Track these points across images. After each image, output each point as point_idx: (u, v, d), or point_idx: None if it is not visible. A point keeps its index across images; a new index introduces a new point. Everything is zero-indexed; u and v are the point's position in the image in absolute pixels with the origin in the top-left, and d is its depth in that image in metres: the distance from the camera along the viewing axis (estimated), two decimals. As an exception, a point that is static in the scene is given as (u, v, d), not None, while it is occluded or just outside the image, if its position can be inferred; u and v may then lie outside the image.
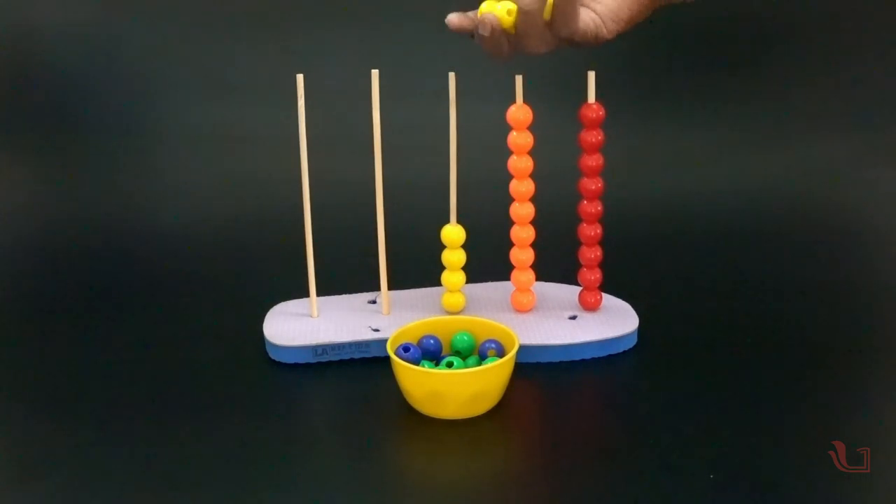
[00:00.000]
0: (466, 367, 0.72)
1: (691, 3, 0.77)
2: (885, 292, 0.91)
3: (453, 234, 0.81)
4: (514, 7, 0.69)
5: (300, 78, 0.77)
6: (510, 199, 0.81)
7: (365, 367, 0.79)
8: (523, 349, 0.75)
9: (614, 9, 0.74)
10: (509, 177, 0.81)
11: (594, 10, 0.74)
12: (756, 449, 0.66)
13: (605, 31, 0.74)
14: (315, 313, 0.83)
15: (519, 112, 0.78)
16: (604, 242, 0.82)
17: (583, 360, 0.79)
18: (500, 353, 0.74)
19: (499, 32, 0.70)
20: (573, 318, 0.82)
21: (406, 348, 0.73)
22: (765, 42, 1.13)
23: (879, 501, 0.62)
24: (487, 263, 0.85)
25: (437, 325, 0.77)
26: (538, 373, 0.77)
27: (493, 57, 0.71)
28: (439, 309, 0.84)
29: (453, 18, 0.72)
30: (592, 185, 0.80)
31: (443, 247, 0.82)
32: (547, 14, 0.70)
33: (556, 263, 0.85)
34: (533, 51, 0.72)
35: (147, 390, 0.76)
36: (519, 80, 0.78)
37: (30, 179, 1.13)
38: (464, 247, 0.82)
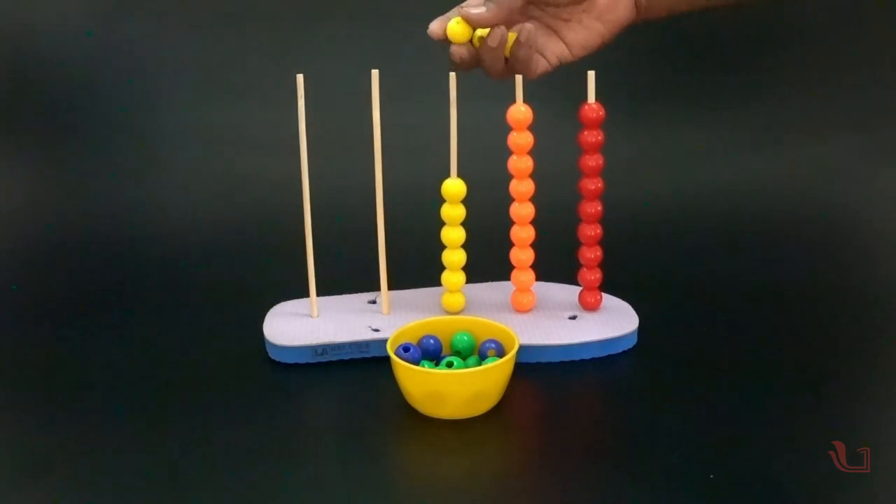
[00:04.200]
0: (466, 367, 0.72)
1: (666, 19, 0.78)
2: (885, 292, 0.91)
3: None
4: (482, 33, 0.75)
5: (300, 78, 0.77)
6: (510, 199, 0.81)
7: (365, 367, 0.78)
8: (523, 349, 0.75)
9: (587, 43, 0.77)
10: (509, 177, 0.81)
11: (564, 40, 0.76)
12: (756, 449, 0.66)
13: (569, 59, 0.79)
14: (315, 313, 0.83)
15: (519, 112, 0.78)
16: (604, 242, 0.82)
17: (583, 360, 0.79)
18: (500, 353, 0.74)
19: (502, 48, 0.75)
20: (573, 318, 0.82)
21: (406, 348, 0.73)
22: (765, 42, 1.13)
23: (879, 501, 0.62)
24: (487, 263, 0.85)
25: (437, 325, 0.77)
26: (538, 373, 0.77)
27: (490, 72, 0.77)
28: (439, 309, 0.84)
29: (436, 26, 0.76)
30: (592, 185, 0.80)
31: (443, 247, 0.82)
32: (507, 51, 0.76)
33: (556, 263, 0.85)
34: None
35: (147, 390, 0.76)
36: (519, 80, 0.78)
37: (30, 179, 1.13)
38: (464, 247, 0.82)
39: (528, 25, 0.75)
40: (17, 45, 1.14)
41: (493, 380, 0.70)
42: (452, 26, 0.75)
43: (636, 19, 0.79)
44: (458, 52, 0.75)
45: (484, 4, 0.74)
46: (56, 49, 1.14)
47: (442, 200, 0.81)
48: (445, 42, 0.76)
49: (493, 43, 0.74)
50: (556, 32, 0.78)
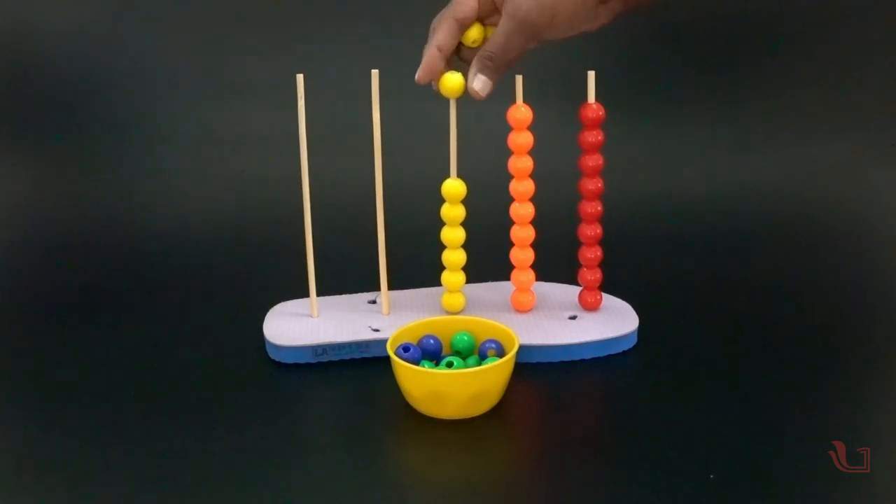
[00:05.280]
0: (466, 367, 0.72)
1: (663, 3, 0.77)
2: (885, 292, 0.91)
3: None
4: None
5: (300, 78, 0.77)
6: (510, 199, 0.81)
7: (365, 367, 0.79)
8: (523, 349, 0.75)
9: (558, 39, 0.76)
10: (509, 177, 0.81)
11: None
12: (756, 449, 0.66)
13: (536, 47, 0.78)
14: (315, 313, 0.83)
15: (519, 112, 0.78)
16: (604, 242, 0.82)
17: (583, 360, 0.79)
18: (500, 353, 0.74)
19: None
20: (573, 318, 0.82)
21: (406, 348, 0.73)
22: (765, 42, 1.13)
23: (879, 501, 0.62)
24: (487, 263, 0.85)
25: (437, 325, 0.77)
26: (538, 373, 0.77)
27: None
28: (439, 309, 0.84)
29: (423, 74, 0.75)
30: (592, 185, 0.80)
31: (443, 247, 0.82)
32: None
33: (556, 263, 0.85)
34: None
35: (147, 390, 0.76)
36: (519, 80, 0.78)
37: (30, 179, 1.13)
38: (464, 247, 0.82)
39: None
40: (17, 45, 1.14)
41: (493, 380, 0.70)
42: (448, 83, 0.75)
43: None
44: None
45: (484, 74, 0.74)
46: (56, 49, 1.15)
47: (442, 200, 0.81)
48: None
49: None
50: None
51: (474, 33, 0.76)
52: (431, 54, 0.74)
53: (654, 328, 0.82)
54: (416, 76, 0.75)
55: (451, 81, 0.75)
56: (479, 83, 0.74)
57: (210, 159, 1.13)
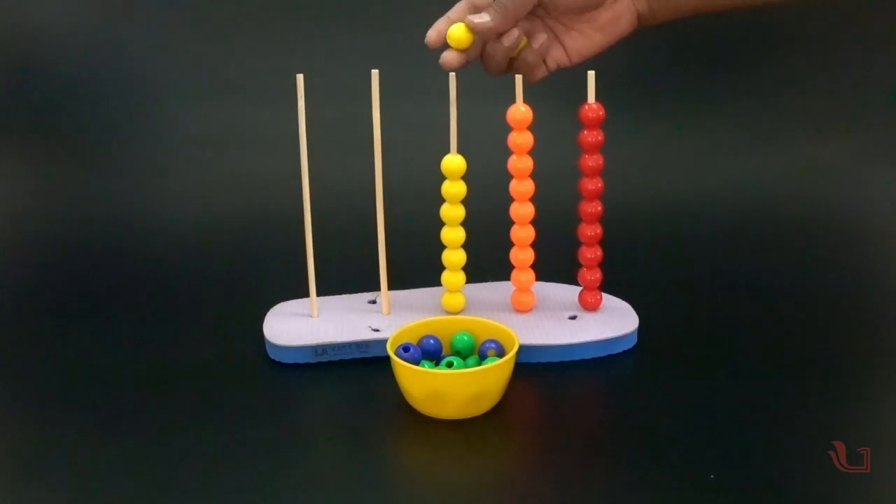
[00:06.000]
0: (466, 367, 0.72)
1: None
2: (884, 292, 0.91)
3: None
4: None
5: (300, 78, 0.77)
6: (510, 199, 0.81)
7: (365, 367, 0.79)
8: (523, 349, 0.75)
9: (585, 51, 0.79)
10: (509, 177, 0.81)
11: (564, 47, 0.77)
12: (756, 449, 0.66)
13: (567, 65, 0.80)
14: (315, 313, 0.83)
15: (519, 112, 0.78)
16: (604, 242, 0.82)
17: (583, 360, 0.79)
18: (500, 353, 0.74)
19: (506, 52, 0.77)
20: (573, 318, 0.82)
21: (406, 348, 0.73)
22: (765, 42, 1.13)
23: (879, 501, 0.62)
24: (487, 263, 0.85)
25: (437, 325, 0.77)
26: (538, 373, 0.77)
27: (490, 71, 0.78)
28: (439, 309, 0.84)
29: (434, 35, 0.77)
30: (592, 185, 0.80)
31: (443, 247, 0.82)
32: (514, 52, 0.77)
33: (556, 263, 0.85)
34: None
35: (147, 390, 0.76)
36: (519, 80, 0.78)
37: (30, 179, 1.13)
38: (464, 247, 0.82)
39: (545, 35, 0.77)
40: (17, 45, 1.14)
41: (493, 380, 0.70)
42: (454, 32, 0.75)
43: (636, 28, 0.79)
44: (448, 58, 0.76)
45: (487, 13, 0.74)
46: (56, 49, 1.14)
47: (442, 200, 0.81)
48: (443, 47, 0.76)
49: (507, 42, 0.75)
50: (556, 38, 0.79)
51: (462, 36, 0.75)
52: (442, 20, 0.76)
53: (654, 328, 0.82)
54: (426, 38, 0.76)
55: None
56: (479, 17, 0.74)
57: (210, 159, 1.13)
